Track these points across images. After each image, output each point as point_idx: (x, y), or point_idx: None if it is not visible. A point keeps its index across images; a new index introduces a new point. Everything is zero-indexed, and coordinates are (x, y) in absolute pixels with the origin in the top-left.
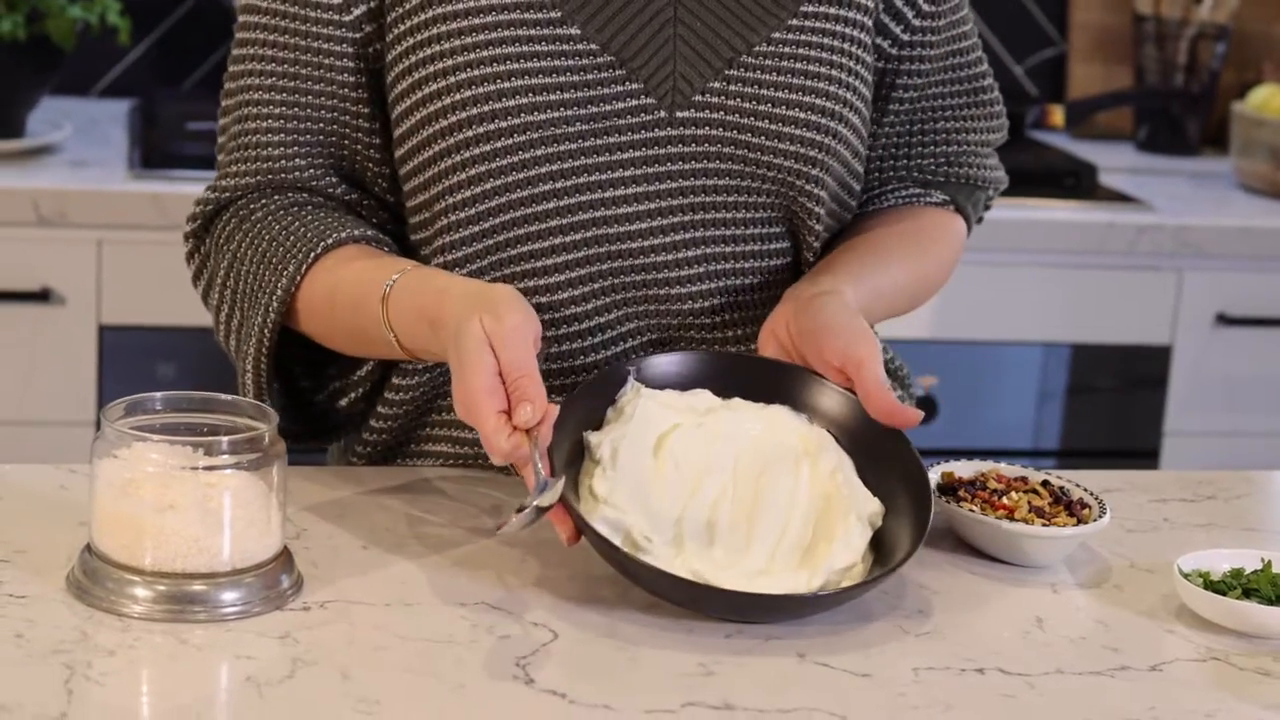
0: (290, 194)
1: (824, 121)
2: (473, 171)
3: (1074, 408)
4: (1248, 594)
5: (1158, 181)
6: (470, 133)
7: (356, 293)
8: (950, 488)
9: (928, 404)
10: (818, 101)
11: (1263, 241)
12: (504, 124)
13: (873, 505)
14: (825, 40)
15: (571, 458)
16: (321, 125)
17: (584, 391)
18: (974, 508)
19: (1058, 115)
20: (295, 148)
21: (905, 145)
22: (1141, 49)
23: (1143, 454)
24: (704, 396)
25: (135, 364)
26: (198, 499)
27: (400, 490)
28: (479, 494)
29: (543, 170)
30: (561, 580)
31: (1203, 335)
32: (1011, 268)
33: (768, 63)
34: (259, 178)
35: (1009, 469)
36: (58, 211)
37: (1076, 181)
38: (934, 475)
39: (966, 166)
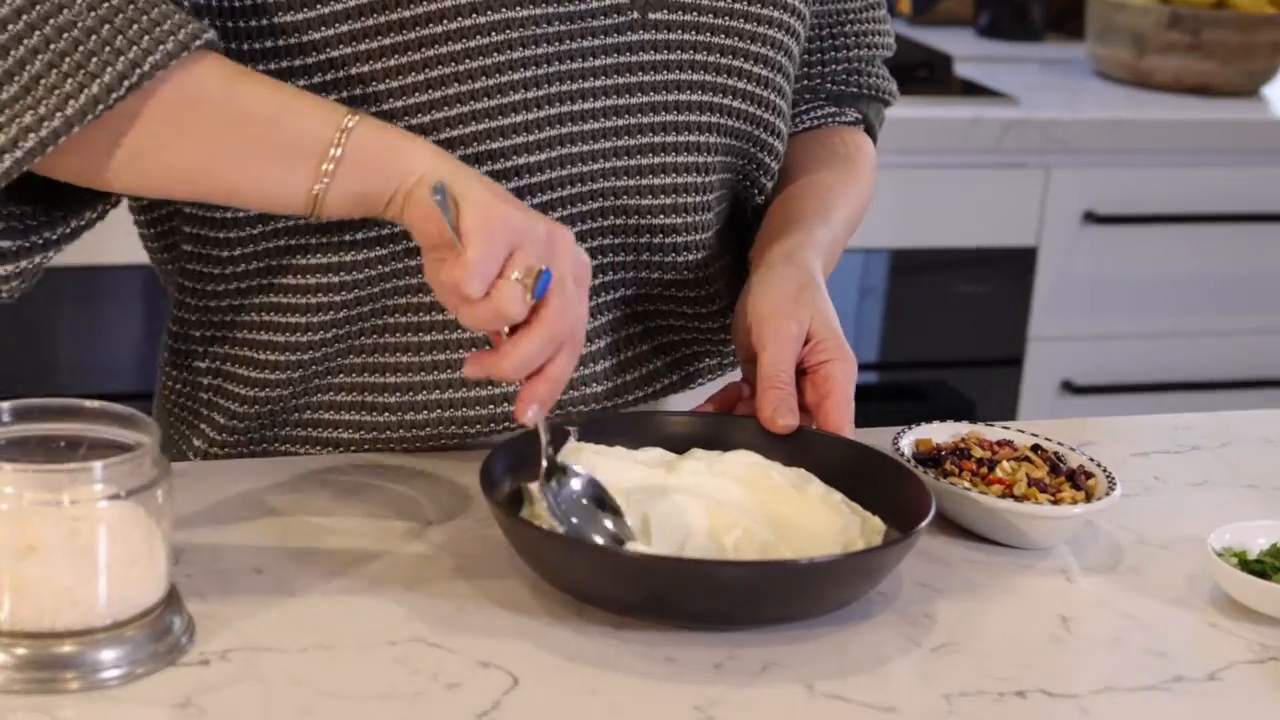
0: None
1: (789, 20)
2: (434, 74)
3: (934, 315)
4: None
5: (1008, 71)
6: (439, 28)
7: (289, 102)
8: (932, 458)
9: None
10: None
11: (1131, 134)
12: (480, 20)
13: (876, 522)
14: None
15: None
16: None
17: (517, 443)
18: (966, 484)
19: (905, 2)
20: None
21: (819, 50)
22: None
23: (1006, 362)
24: (655, 452)
25: None
26: (63, 537)
27: (286, 488)
28: (384, 489)
29: (515, 78)
30: (503, 601)
31: (1070, 235)
32: None
33: None
34: None
35: (989, 431)
36: None
37: (930, 74)
38: (907, 443)
39: (870, 75)
